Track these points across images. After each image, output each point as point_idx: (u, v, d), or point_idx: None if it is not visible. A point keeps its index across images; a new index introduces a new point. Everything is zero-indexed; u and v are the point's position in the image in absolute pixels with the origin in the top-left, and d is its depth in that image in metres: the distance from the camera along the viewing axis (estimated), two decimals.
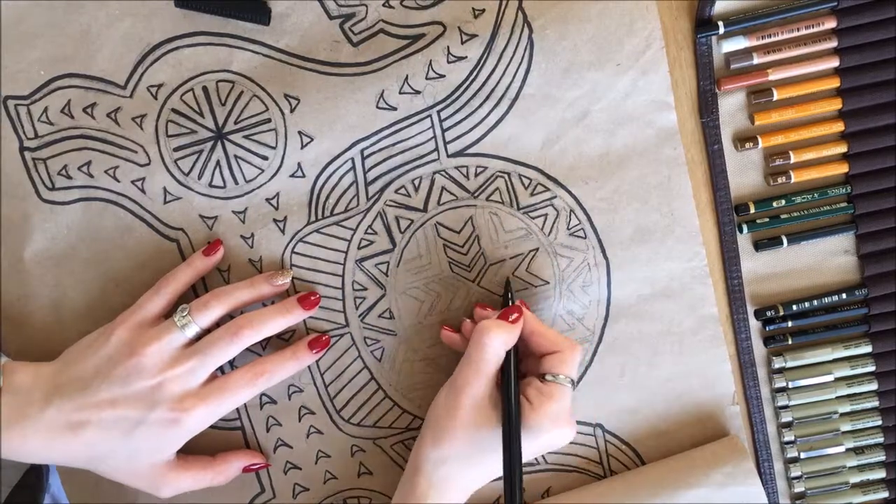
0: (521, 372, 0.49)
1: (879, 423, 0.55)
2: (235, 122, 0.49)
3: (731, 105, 0.51)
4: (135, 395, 0.44)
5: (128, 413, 0.44)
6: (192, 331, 0.46)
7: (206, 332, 0.47)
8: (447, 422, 0.45)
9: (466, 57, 0.48)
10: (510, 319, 0.46)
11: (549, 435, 0.45)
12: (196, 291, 0.50)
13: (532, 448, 0.46)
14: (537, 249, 0.51)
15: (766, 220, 0.52)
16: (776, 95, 0.50)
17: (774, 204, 0.52)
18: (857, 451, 0.55)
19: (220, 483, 0.50)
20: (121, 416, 0.44)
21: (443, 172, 0.50)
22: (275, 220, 0.50)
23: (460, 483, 0.46)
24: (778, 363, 0.54)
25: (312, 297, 0.49)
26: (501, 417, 0.45)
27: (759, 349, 0.54)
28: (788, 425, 0.55)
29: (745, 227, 0.52)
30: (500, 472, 0.45)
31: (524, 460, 0.44)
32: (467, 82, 0.49)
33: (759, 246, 0.52)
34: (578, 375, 0.53)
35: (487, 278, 0.51)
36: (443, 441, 0.45)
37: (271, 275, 0.49)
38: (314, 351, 0.49)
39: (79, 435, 0.44)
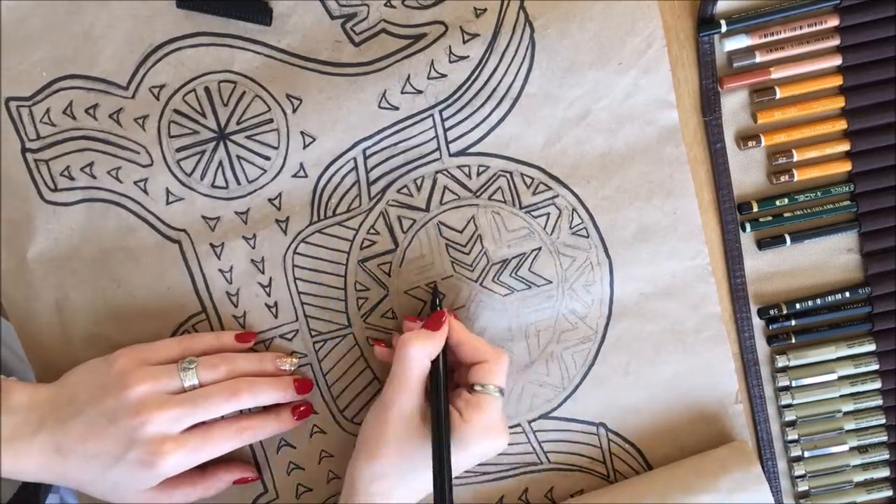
0: (453, 382, 0.49)
1: (883, 421, 0.55)
2: (237, 123, 0.49)
3: (734, 103, 0.51)
4: (117, 432, 0.44)
5: (109, 448, 0.44)
6: (190, 382, 0.46)
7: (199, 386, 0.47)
8: (377, 438, 0.45)
9: (468, 56, 0.48)
10: (435, 327, 0.46)
11: (479, 446, 0.45)
12: (197, 292, 0.50)
13: (464, 460, 0.45)
14: (540, 249, 0.51)
15: (769, 218, 0.52)
16: (779, 94, 0.50)
17: (777, 202, 0.52)
18: (861, 449, 0.55)
19: (211, 496, 0.50)
20: (102, 451, 0.44)
21: (445, 172, 0.50)
22: (277, 221, 0.50)
23: (396, 497, 0.45)
24: (781, 362, 0.54)
25: (308, 384, 0.50)
26: (431, 430, 0.45)
27: (762, 348, 0.54)
28: (792, 424, 0.55)
29: (747, 226, 0.52)
30: (431, 487, 0.45)
31: (456, 473, 0.44)
32: (469, 82, 0.49)
33: (762, 244, 0.52)
34: (581, 373, 0.53)
35: (490, 278, 0.51)
36: (374, 458, 0.45)
37: (279, 357, 0.50)
38: (297, 418, 0.50)
39: (66, 460, 0.44)
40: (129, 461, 0.44)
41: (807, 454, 0.55)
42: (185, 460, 0.45)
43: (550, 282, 0.51)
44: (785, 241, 0.52)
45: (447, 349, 0.47)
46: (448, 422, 0.45)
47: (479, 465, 0.53)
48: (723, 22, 0.49)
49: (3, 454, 0.43)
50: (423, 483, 0.46)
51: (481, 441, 0.45)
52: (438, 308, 0.48)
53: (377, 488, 0.45)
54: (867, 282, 0.53)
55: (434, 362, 0.46)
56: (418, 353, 0.45)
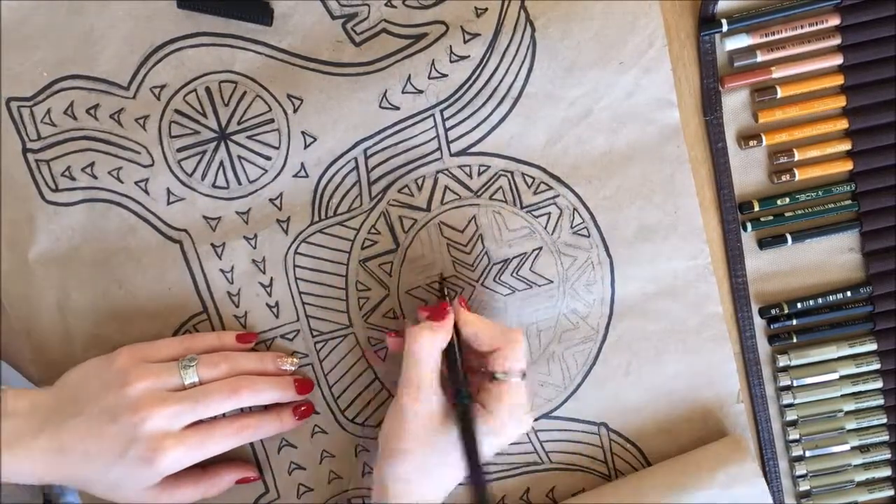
0: (471, 366, 0.47)
1: (884, 420, 0.55)
2: (238, 123, 0.49)
3: (735, 103, 0.51)
4: (117, 429, 0.44)
5: (109, 446, 0.44)
6: (190, 380, 0.46)
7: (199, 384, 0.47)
8: (397, 437, 0.45)
9: (469, 56, 0.48)
10: (439, 318, 0.46)
11: (507, 431, 0.45)
12: (198, 292, 0.50)
13: (492, 447, 0.45)
14: (541, 248, 0.51)
15: (770, 217, 0.52)
16: (780, 93, 0.50)
17: (778, 202, 0.52)
18: (863, 449, 0.55)
19: (213, 495, 0.50)
20: (102, 448, 0.44)
21: (446, 172, 0.50)
22: (278, 221, 0.50)
23: (427, 494, 0.45)
24: (782, 361, 0.54)
25: (308, 384, 0.50)
26: (455, 426, 0.44)
27: (763, 347, 0.54)
28: (793, 423, 0.55)
29: (749, 226, 0.52)
30: (457, 481, 0.45)
31: (485, 460, 0.44)
32: (470, 81, 0.49)
33: (763, 244, 0.52)
34: (583, 373, 0.53)
35: (491, 277, 0.51)
36: (396, 458, 0.45)
37: (280, 357, 0.50)
38: (297, 418, 0.50)
39: (68, 459, 0.44)
40: (129, 458, 0.44)
41: (808, 454, 0.55)
42: (186, 457, 0.45)
43: (551, 281, 0.51)
44: (786, 241, 0.52)
45: (462, 340, 0.46)
46: (472, 409, 0.44)
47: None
48: (724, 21, 0.49)
49: (5, 459, 0.43)
50: (449, 478, 0.46)
51: (509, 428, 0.45)
52: (447, 299, 0.48)
53: (404, 488, 0.45)
54: (868, 281, 0.53)
55: (451, 355, 0.46)
56: (426, 346, 0.45)
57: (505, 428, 0.45)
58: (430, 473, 0.45)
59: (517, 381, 0.45)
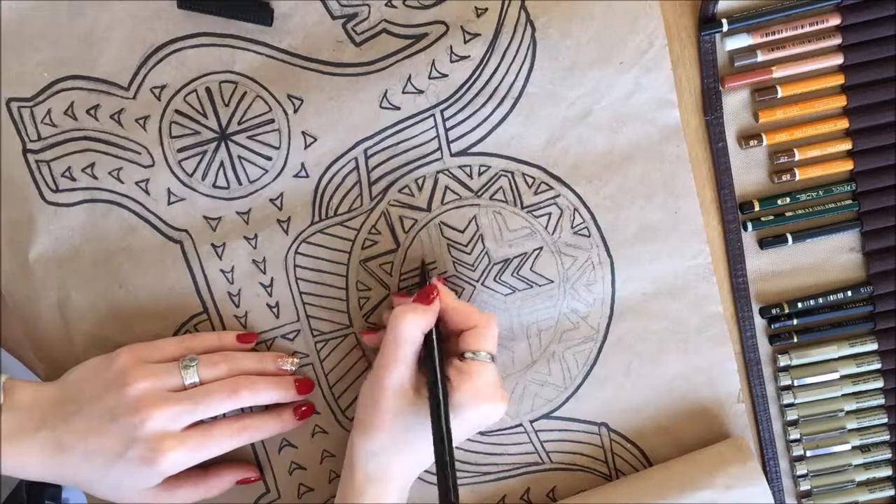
0: (445, 351, 0.47)
1: (885, 420, 0.55)
2: (239, 123, 0.49)
3: (735, 102, 0.51)
4: (117, 429, 0.44)
5: (109, 446, 0.44)
6: (190, 380, 0.46)
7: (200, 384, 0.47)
8: (373, 413, 0.45)
9: (469, 56, 0.48)
10: (426, 301, 0.46)
11: (474, 412, 0.44)
12: (198, 292, 0.50)
13: (461, 427, 0.45)
14: (541, 248, 0.51)
15: (771, 217, 0.52)
16: (780, 93, 0.50)
17: (779, 202, 0.52)
18: (863, 448, 0.55)
19: (214, 496, 0.50)
20: (102, 448, 0.44)
21: (446, 172, 0.50)
22: (278, 221, 0.50)
23: (396, 472, 0.45)
24: (783, 361, 0.54)
25: (309, 384, 0.50)
26: (429, 400, 0.44)
27: (764, 347, 0.54)
28: (794, 423, 0.55)
29: (749, 225, 0.52)
30: (432, 459, 0.44)
31: (455, 443, 0.43)
32: (470, 81, 0.49)
33: (763, 244, 0.52)
34: (583, 373, 0.53)
35: (491, 277, 0.51)
36: (371, 432, 0.45)
37: (281, 357, 0.50)
38: (298, 418, 0.50)
39: (67, 457, 0.44)
40: (129, 458, 0.44)
41: (809, 453, 0.55)
42: (186, 458, 0.45)
43: (552, 281, 0.51)
44: (787, 241, 0.52)
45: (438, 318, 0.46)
46: (445, 392, 0.44)
47: (481, 464, 0.53)
48: (724, 21, 0.49)
49: (4, 452, 0.43)
50: (422, 455, 0.46)
51: (474, 408, 0.44)
52: (428, 283, 0.48)
53: (376, 464, 0.45)
54: (869, 281, 0.53)
55: (427, 335, 0.46)
56: (410, 325, 0.44)
57: (470, 407, 0.44)
58: (400, 451, 0.45)
59: (487, 361, 0.45)
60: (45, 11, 0.47)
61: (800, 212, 0.52)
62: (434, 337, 0.46)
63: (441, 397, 0.43)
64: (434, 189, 0.50)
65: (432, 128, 0.49)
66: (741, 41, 0.49)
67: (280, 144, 0.49)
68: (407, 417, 0.45)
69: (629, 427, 0.54)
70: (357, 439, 0.46)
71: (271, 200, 0.50)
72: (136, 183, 0.49)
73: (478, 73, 0.48)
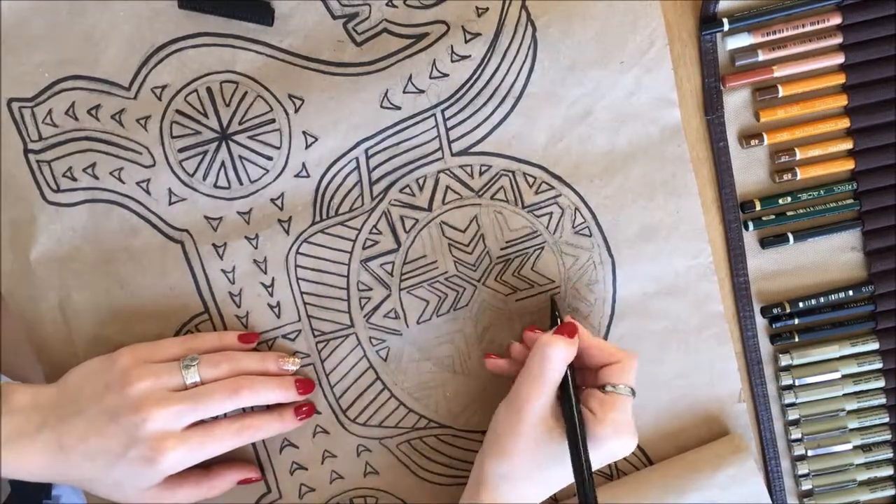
0: (578, 385, 0.48)
1: (886, 420, 0.55)
2: (240, 123, 0.49)
3: (737, 102, 0.51)
4: (118, 429, 0.44)
5: (110, 446, 0.44)
6: (192, 380, 0.46)
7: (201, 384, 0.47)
8: (511, 439, 0.45)
9: (470, 56, 0.48)
10: (570, 335, 0.46)
11: (612, 444, 0.45)
12: (199, 292, 0.50)
13: (596, 459, 0.45)
14: (542, 248, 0.51)
15: (772, 217, 0.52)
16: (781, 92, 0.50)
17: (780, 201, 0.52)
18: (865, 448, 0.55)
19: (215, 496, 0.50)
20: (103, 448, 0.44)
21: (447, 171, 0.50)
22: (279, 221, 0.50)
23: (524, 497, 0.46)
24: (784, 360, 0.54)
25: (310, 384, 0.50)
26: (567, 430, 0.44)
27: (765, 347, 0.54)
28: (795, 423, 0.55)
29: (750, 225, 0.52)
30: (561, 485, 0.46)
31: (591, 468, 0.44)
32: (471, 81, 0.49)
33: (765, 243, 0.52)
34: None
35: (492, 277, 0.51)
36: (506, 457, 0.45)
37: (282, 357, 0.50)
38: (299, 418, 0.50)
39: (68, 458, 0.44)
40: (130, 458, 0.44)
41: (810, 453, 0.55)
42: (187, 457, 0.45)
43: (553, 281, 0.51)
44: (788, 240, 0.52)
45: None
46: (583, 420, 0.45)
47: None
48: (725, 20, 0.49)
49: (5, 454, 0.43)
50: (552, 483, 0.46)
51: (614, 440, 0.45)
52: (560, 320, 0.48)
53: (507, 488, 0.45)
54: (870, 280, 0.53)
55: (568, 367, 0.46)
56: (560, 354, 0.45)
57: (610, 438, 0.45)
58: (533, 476, 0.45)
59: (628, 395, 0.45)
60: (46, 11, 0.47)
61: (801, 211, 0.52)
62: (571, 370, 0.46)
63: (580, 426, 0.44)
64: (435, 189, 0.50)
65: (433, 127, 0.49)
66: (742, 40, 0.49)
67: (281, 144, 0.49)
68: (544, 445, 0.45)
69: None
70: (489, 461, 0.46)
71: (272, 200, 0.50)
72: (137, 183, 0.49)
73: (479, 72, 0.48)
